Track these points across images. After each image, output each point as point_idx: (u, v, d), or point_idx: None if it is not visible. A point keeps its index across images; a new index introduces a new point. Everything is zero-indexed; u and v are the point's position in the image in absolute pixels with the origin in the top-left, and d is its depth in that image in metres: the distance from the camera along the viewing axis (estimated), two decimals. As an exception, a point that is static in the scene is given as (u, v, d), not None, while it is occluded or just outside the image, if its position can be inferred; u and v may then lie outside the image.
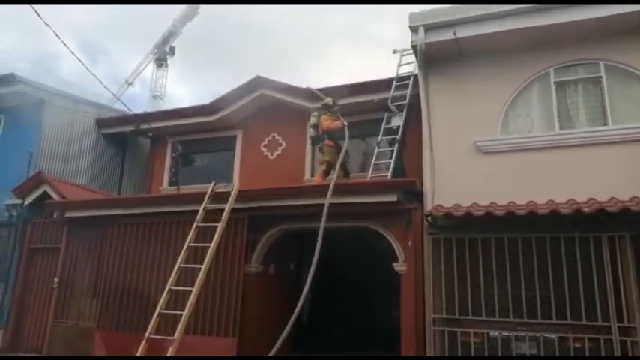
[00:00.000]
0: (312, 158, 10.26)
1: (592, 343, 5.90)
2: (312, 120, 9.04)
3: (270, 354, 6.40)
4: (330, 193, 7.23)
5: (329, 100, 9.08)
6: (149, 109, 16.68)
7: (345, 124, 8.79)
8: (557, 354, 6.00)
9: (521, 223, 6.34)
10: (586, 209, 5.96)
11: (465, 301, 6.58)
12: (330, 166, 8.71)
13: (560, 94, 7.36)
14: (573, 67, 7.37)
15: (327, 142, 8.83)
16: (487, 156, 7.31)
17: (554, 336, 6.07)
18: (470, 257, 6.68)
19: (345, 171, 8.83)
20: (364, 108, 9.65)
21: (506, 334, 6.26)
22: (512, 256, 6.48)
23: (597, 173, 6.62)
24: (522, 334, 6.20)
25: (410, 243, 7.16)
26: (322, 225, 6.97)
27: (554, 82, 7.38)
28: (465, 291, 6.61)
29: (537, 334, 6.14)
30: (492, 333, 6.33)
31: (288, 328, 6.43)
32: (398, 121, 8.63)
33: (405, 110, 8.71)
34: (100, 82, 12.85)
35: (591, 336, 5.91)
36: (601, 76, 7.15)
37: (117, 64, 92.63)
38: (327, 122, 8.82)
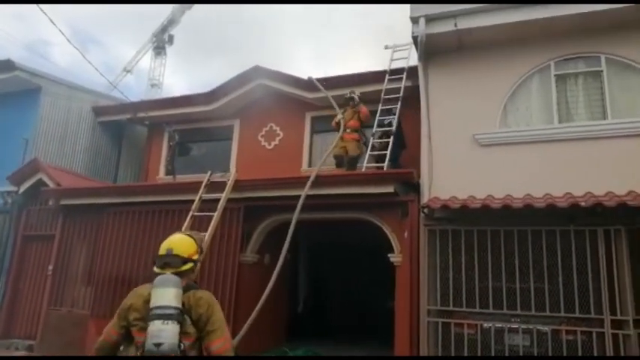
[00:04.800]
0: (310, 149, 10.23)
1: (584, 336, 5.90)
2: None
3: (235, 340, 6.41)
4: (308, 184, 7.29)
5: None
6: (146, 98, 16.54)
7: (336, 118, 8.95)
8: (549, 346, 6.01)
9: (518, 216, 6.33)
10: (583, 203, 5.95)
11: (459, 293, 6.57)
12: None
13: (561, 87, 7.32)
14: (574, 61, 7.33)
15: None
16: (485, 148, 7.28)
17: (547, 328, 6.07)
18: (465, 249, 6.66)
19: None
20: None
21: (500, 325, 6.26)
22: (508, 248, 6.47)
23: (595, 167, 6.60)
24: (515, 326, 6.21)
25: (406, 234, 7.15)
26: (295, 215, 7.04)
27: (555, 75, 7.33)
28: (459, 283, 6.60)
29: (531, 326, 6.14)
30: (486, 324, 6.33)
31: (249, 321, 6.60)
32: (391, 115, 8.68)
33: (399, 103, 8.71)
34: (97, 69, 12.79)
35: (584, 329, 5.92)
36: (601, 70, 7.11)
37: (108, 53, 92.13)
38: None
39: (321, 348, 8.89)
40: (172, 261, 2.87)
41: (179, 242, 2.99)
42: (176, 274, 2.83)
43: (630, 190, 6.20)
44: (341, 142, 8.67)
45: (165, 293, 2.69)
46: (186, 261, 2.91)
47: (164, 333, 2.57)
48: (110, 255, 8.80)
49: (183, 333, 2.65)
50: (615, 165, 6.53)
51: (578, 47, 7.27)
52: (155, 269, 2.89)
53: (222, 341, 2.75)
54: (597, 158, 6.64)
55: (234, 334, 7.48)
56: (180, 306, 2.68)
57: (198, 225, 7.67)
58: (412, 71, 8.76)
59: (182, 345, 2.62)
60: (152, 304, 2.67)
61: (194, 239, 3.07)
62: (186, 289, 2.79)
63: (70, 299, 9.11)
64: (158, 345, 2.54)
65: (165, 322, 2.60)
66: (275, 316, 8.92)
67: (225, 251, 8.02)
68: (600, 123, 6.90)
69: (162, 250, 2.95)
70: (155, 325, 2.59)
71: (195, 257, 2.99)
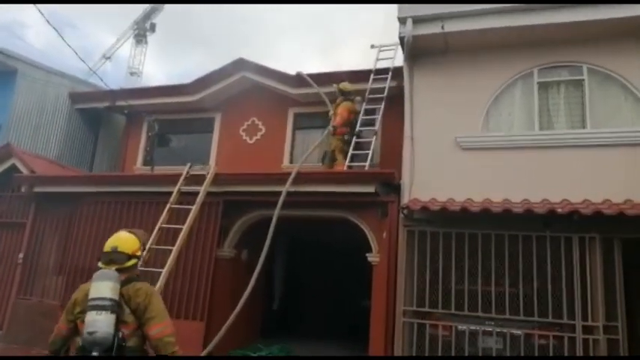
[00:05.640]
0: (292, 145, 10.17)
1: (556, 341, 6.00)
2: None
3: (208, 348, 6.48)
4: (289, 181, 7.28)
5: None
6: (124, 86, 16.21)
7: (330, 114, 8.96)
8: (522, 350, 6.09)
9: (496, 220, 6.39)
10: (559, 210, 6.05)
11: (435, 294, 6.60)
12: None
13: (543, 94, 7.41)
14: (557, 69, 7.42)
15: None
16: (466, 152, 7.33)
17: (520, 332, 6.14)
18: (443, 251, 6.69)
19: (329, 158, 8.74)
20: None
21: (474, 328, 6.32)
22: (485, 252, 6.52)
23: (572, 175, 6.70)
24: (489, 329, 6.27)
25: (384, 234, 7.16)
26: (276, 212, 7.08)
27: (538, 83, 7.41)
28: (436, 284, 6.63)
29: (504, 330, 6.21)
30: (460, 327, 6.37)
31: (228, 323, 6.63)
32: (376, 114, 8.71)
33: (383, 103, 8.72)
34: (77, 54, 12.54)
35: (556, 334, 6.01)
36: (583, 79, 7.20)
37: (86, 38, 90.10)
38: None
39: (297, 345, 8.87)
40: (117, 258, 3.12)
41: (124, 240, 3.23)
42: (121, 269, 3.07)
43: (606, 198, 6.32)
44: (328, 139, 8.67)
45: (101, 287, 2.92)
46: (130, 257, 3.15)
47: (97, 323, 2.82)
48: (84, 245, 8.60)
49: (121, 322, 2.90)
50: (592, 173, 6.64)
51: (562, 56, 7.36)
52: (100, 265, 3.13)
53: (161, 327, 3.01)
54: (575, 166, 6.74)
55: (208, 329, 7.43)
56: (115, 297, 2.91)
57: (176, 218, 7.56)
58: (397, 72, 8.78)
59: (120, 333, 2.89)
60: (89, 297, 2.91)
61: (138, 237, 3.31)
62: (127, 282, 3.03)
63: (41, 289, 8.89)
64: (92, 333, 2.79)
65: (99, 312, 2.83)
66: (250, 312, 8.85)
67: (202, 245, 7.92)
68: (579, 132, 7.02)
69: (107, 248, 3.18)
70: (90, 316, 2.85)
71: (139, 254, 3.25)
